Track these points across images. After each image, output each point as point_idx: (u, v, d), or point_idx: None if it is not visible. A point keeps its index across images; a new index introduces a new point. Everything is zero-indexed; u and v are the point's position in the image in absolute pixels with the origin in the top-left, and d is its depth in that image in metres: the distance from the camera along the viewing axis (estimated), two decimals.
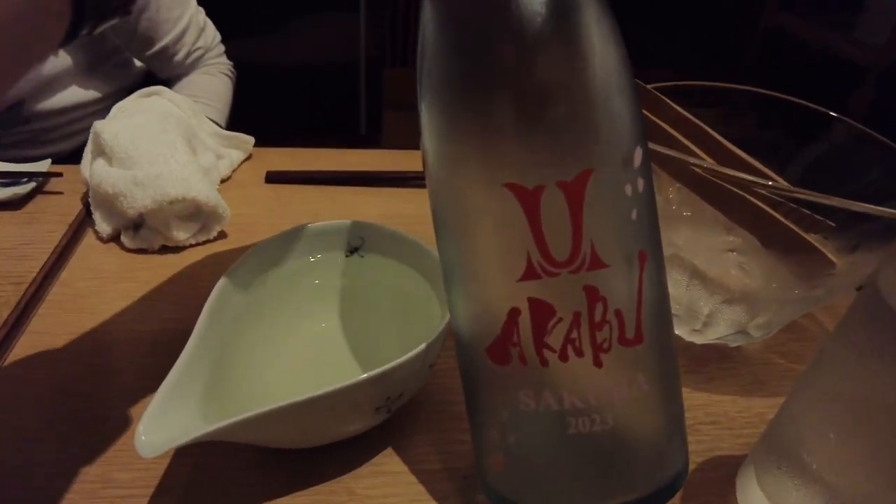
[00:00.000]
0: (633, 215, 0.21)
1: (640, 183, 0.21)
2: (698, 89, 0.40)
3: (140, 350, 0.34)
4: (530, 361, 0.21)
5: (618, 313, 0.21)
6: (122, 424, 0.29)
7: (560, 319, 0.21)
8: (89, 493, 0.26)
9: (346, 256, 0.34)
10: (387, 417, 0.28)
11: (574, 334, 0.21)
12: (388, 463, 0.29)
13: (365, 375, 0.24)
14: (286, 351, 0.32)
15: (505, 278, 0.21)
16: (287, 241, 0.33)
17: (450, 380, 0.33)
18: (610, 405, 0.21)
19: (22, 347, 0.33)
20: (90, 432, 0.29)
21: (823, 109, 0.38)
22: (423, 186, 0.23)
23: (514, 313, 0.21)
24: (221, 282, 0.29)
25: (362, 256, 0.34)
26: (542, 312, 0.21)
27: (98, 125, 0.41)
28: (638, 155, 0.21)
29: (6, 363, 0.32)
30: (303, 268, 0.33)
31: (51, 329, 0.34)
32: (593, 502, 0.23)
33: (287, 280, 0.33)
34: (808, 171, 0.38)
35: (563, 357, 0.21)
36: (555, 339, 0.21)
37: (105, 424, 0.29)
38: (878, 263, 0.22)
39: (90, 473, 0.27)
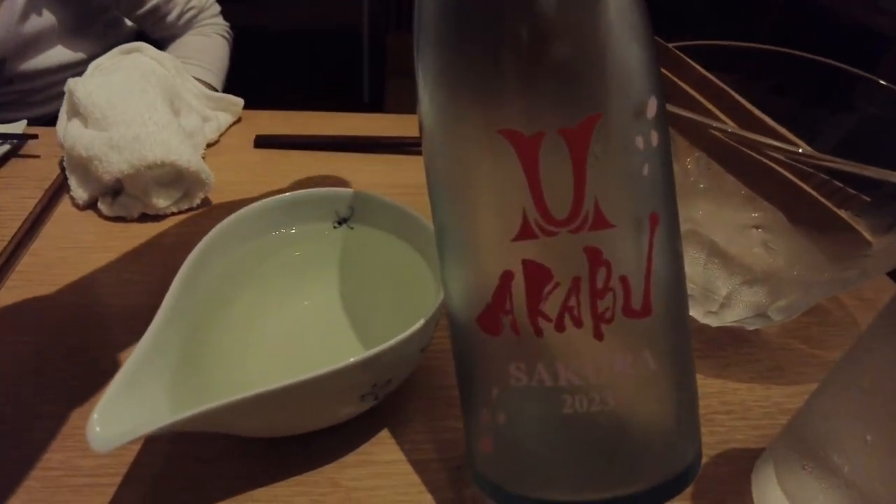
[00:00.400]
0: (645, 171, 0.18)
1: (655, 136, 0.18)
2: (722, 49, 0.37)
3: (113, 327, 0.31)
4: (523, 331, 0.19)
5: (623, 280, 0.18)
6: (89, 408, 0.27)
7: (557, 284, 0.18)
8: (50, 482, 0.24)
9: (334, 228, 0.32)
10: (374, 405, 0.26)
11: (572, 302, 0.18)
12: (376, 452, 0.27)
13: (349, 361, 0.22)
14: (265, 331, 0.29)
15: (498, 238, 0.19)
16: (268, 211, 0.30)
17: (444, 363, 0.31)
18: (611, 383, 0.19)
19: None
20: (54, 415, 0.27)
21: (861, 72, 0.34)
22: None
23: (506, 277, 0.19)
24: (193, 254, 0.26)
25: (351, 228, 0.32)
26: (537, 276, 0.18)
27: (71, 83, 0.38)
28: (652, 105, 0.18)
29: None
30: (285, 240, 0.31)
31: (18, 303, 0.32)
32: (591, 493, 0.20)
33: (267, 253, 0.30)
34: (841, 140, 0.35)
35: (560, 327, 0.18)
36: (551, 306, 0.18)
37: (70, 407, 0.27)
38: None
39: (52, 460, 0.25)
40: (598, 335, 0.19)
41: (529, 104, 0.18)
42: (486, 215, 0.19)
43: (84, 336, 0.31)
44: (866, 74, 0.35)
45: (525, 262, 0.18)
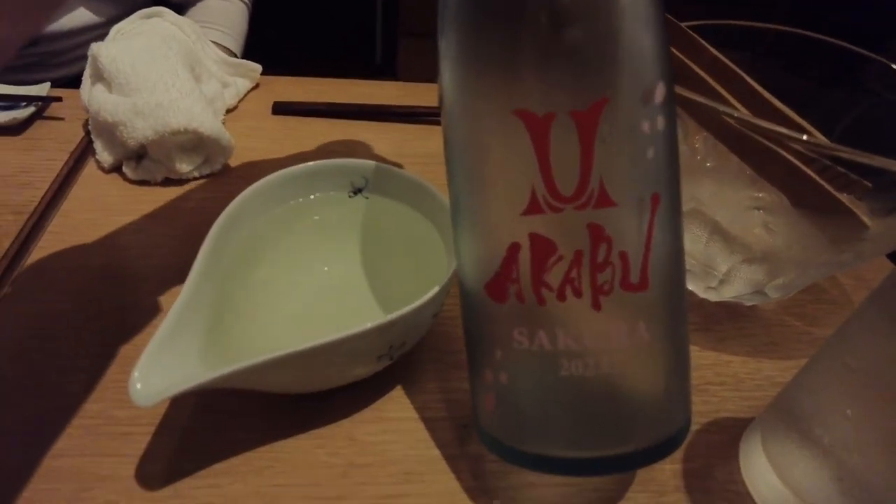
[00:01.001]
0: (650, 154, 0.20)
1: (661, 121, 0.20)
2: (736, 28, 0.37)
3: (142, 286, 0.33)
4: (527, 299, 0.20)
5: (622, 255, 0.20)
6: (123, 362, 0.29)
7: (561, 257, 0.20)
8: (90, 429, 0.26)
9: (350, 197, 0.33)
10: (389, 364, 0.28)
11: (574, 273, 0.20)
12: (389, 409, 0.29)
13: (368, 325, 0.24)
14: (286, 293, 0.31)
15: (508, 211, 0.20)
16: (288, 180, 0.31)
17: (454, 328, 0.33)
18: (606, 350, 0.20)
19: (22, 280, 0.33)
20: (90, 368, 0.29)
21: (874, 55, 0.35)
22: (440, 123, 0.22)
23: (514, 248, 0.20)
24: (220, 221, 0.28)
25: (366, 197, 0.33)
26: (543, 249, 0.20)
27: (95, 47, 0.39)
28: (660, 90, 0.19)
29: (5, 295, 0.32)
30: (304, 208, 0.32)
31: (51, 262, 0.34)
32: (584, 451, 0.22)
33: (288, 220, 0.32)
34: (852, 122, 0.35)
35: (561, 297, 0.20)
36: (554, 277, 0.20)
37: (106, 361, 0.29)
38: None
39: (90, 410, 0.27)
40: (597, 305, 0.20)
41: (543, 86, 0.19)
42: (497, 189, 0.21)
43: (116, 296, 0.32)
44: (879, 58, 0.35)
45: (532, 236, 0.20)
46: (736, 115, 0.27)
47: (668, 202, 0.20)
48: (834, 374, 0.23)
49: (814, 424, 0.23)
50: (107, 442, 0.26)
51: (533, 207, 0.19)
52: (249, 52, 0.51)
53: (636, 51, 0.19)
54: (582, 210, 0.19)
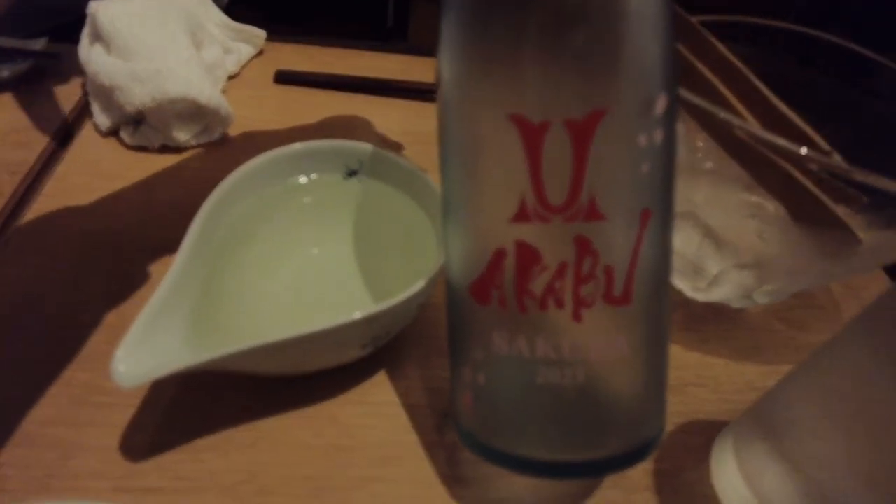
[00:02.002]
0: (644, 168, 0.19)
1: (658, 134, 0.19)
2: (749, 25, 0.36)
3: (134, 256, 0.33)
4: (509, 305, 0.20)
5: (607, 269, 0.20)
6: (112, 332, 0.30)
7: (545, 268, 0.20)
8: (75, 398, 0.27)
9: (344, 179, 0.33)
10: (372, 351, 0.28)
11: (557, 284, 0.20)
12: (372, 393, 0.30)
13: (352, 317, 0.24)
14: (275, 276, 0.31)
15: (496, 216, 0.20)
16: (281, 160, 0.31)
17: (440, 316, 0.33)
18: (585, 361, 0.20)
19: (15, 241, 0.33)
20: (78, 337, 0.29)
21: (887, 62, 0.34)
22: None
23: (500, 254, 0.20)
24: (211, 199, 0.28)
25: (361, 181, 0.33)
26: (528, 257, 0.20)
27: (93, 6, 0.38)
28: (661, 103, 0.19)
29: None
30: (297, 188, 0.32)
31: (44, 225, 0.34)
32: (557, 455, 0.22)
33: (280, 200, 0.32)
34: (860, 128, 0.34)
35: (543, 306, 0.20)
36: (537, 286, 0.20)
37: (94, 330, 0.29)
38: None
39: (76, 379, 0.28)
40: (578, 317, 0.20)
41: (540, 92, 0.18)
42: (488, 194, 0.20)
43: (108, 264, 0.32)
44: (891, 64, 0.34)
45: (518, 243, 0.20)
46: (736, 123, 0.26)
47: (658, 218, 0.20)
48: (811, 392, 0.23)
49: (785, 437, 0.24)
50: (92, 411, 0.27)
51: (521, 215, 0.19)
52: (255, 8, 0.49)
53: (640, 60, 0.18)
54: (570, 222, 0.19)
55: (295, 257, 0.32)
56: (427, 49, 0.54)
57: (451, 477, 0.27)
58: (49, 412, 0.26)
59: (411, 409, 0.29)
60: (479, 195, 0.21)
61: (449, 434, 0.28)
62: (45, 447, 0.25)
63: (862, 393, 0.21)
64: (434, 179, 0.33)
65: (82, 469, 0.25)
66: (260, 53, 0.49)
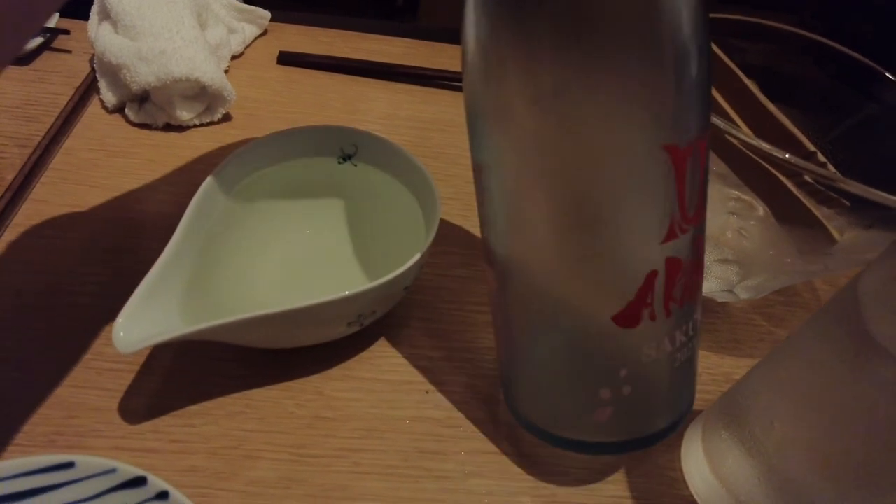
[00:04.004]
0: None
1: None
2: (750, 24, 0.36)
3: (137, 231, 0.35)
4: (658, 316, 0.22)
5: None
6: (112, 303, 0.31)
7: (684, 273, 0.22)
8: (80, 363, 0.29)
9: (339, 163, 0.34)
10: (359, 329, 0.30)
11: (687, 281, 0.22)
12: (358, 369, 0.31)
13: (339, 294, 0.25)
14: (268, 254, 0.32)
15: (649, 242, 0.21)
16: (277, 141, 0.32)
17: (428, 297, 0.34)
18: (696, 336, 0.25)
19: (24, 215, 0.34)
20: (81, 305, 0.31)
21: (884, 72, 0.34)
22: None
23: (651, 276, 0.21)
24: (209, 180, 0.29)
25: (355, 165, 0.34)
26: (674, 270, 0.22)
27: None
28: None
29: (6, 228, 0.33)
30: (292, 170, 0.33)
31: (52, 198, 0.35)
32: (661, 425, 0.26)
33: (275, 182, 0.33)
34: (854, 126, 0.35)
35: (681, 304, 0.22)
36: (678, 290, 0.22)
37: (99, 301, 0.31)
38: (864, 269, 0.21)
39: (81, 345, 0.29)
40: (693, 300, 0.24)
41: (686, 120, 0.20)
42: (639, 223, 0.21)
43: (112, 238, 0.34)
44: (889, 75, 0.35)
45: (668, 260, 0.21)
46: (722, 126, 0.27)
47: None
48: (769, 382, 0.24)
49: (744, 424, 0.25)
50: (94, 376, 0.28)
51: (671, 234, 0.21)
52: None
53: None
54: (696, 224, 0.22)
55: (288, 237, 0.33)
56: (436, 31, 0.55)
57: (431, 451, 0.28)
58: (56, 375, 0.28)
59: (395, 386, 0.31)
60: (629, 229, 0.21)
61: (430, 410, 0.30)
62: (53, 406, 0.27)
63: (815, 384, 0.22)
64: (434, 166, 0.34)
65: (85, 428, 0.27)
66: (264, 34, 0.50)
